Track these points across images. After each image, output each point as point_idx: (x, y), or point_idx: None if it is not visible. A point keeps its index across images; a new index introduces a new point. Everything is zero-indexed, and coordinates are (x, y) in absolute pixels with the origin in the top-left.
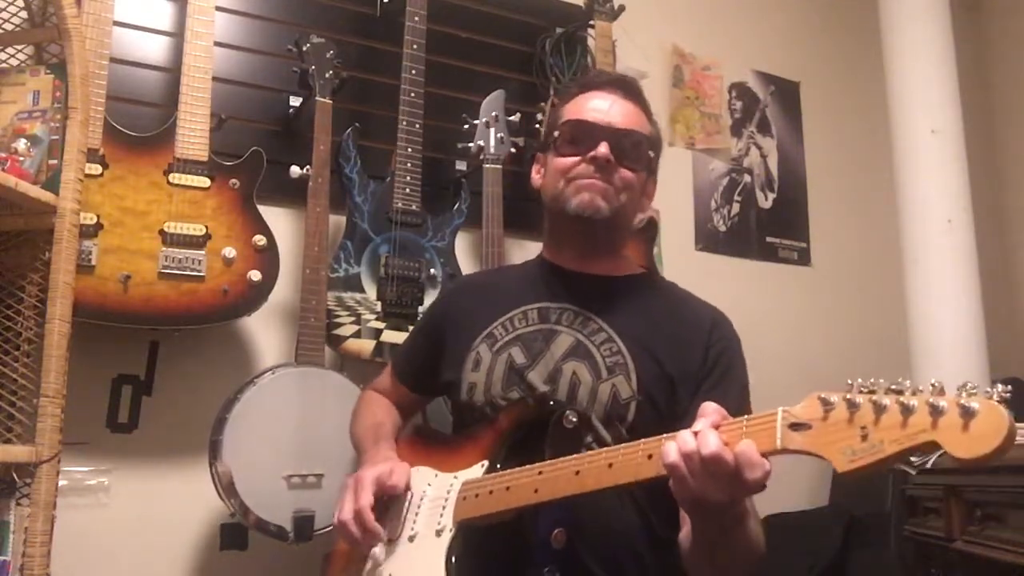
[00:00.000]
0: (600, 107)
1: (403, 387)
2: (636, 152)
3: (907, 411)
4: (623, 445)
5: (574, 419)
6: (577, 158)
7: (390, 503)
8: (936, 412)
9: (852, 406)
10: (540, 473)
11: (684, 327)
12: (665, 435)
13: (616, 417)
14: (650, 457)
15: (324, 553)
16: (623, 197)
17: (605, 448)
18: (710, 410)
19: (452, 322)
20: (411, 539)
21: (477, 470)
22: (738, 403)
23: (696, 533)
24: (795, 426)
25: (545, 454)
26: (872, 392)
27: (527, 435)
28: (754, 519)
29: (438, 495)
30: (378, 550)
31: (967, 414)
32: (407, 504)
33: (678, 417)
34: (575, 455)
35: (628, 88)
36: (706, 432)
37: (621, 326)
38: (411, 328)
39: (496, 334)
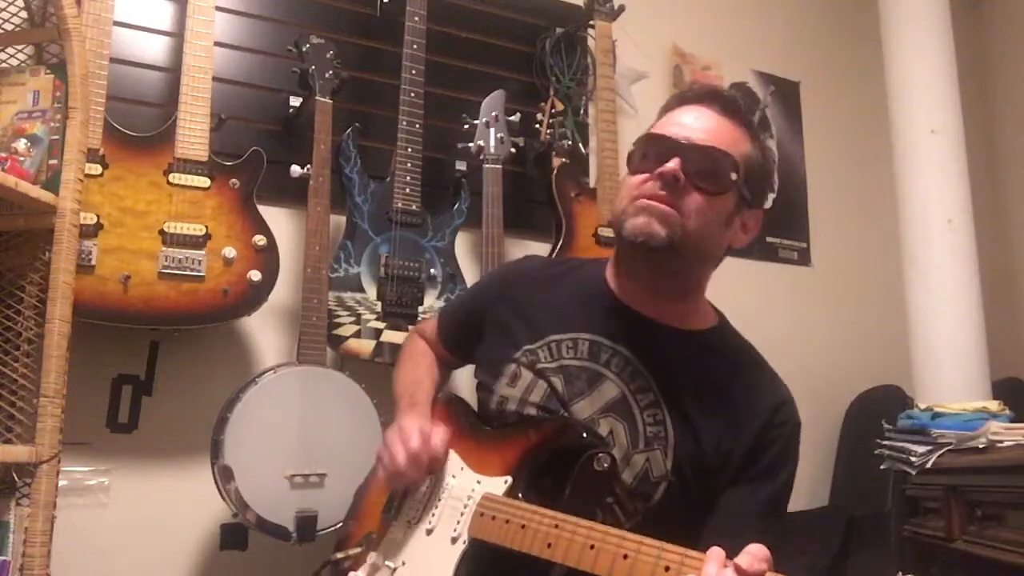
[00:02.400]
0: (683, 121)
1: (443, 346)
2: (715, 173)
3: None
4: (644, 540)
5: (606, 464)
6: (645, 176)
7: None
8: None
9: None
10: (557, 527)
11: (742, 405)
12: (687, 551)
13: (641, 495)
14: (667, 569)
15: (345, 521)
16: (691, 224)
17: (626, 532)
18: (755, 559)
19: (496, 317)
20: (428, 532)
21: (499, 484)
22: (770, 503)
23: None
24: None
25: (567, 490)
26: None
27: (554, 460)
28: None
29: (459, 495)
30: (396, 529)
31: None
32: (432, 487)
33: (708, 504)
34: (596, 514)
35: (725, 103)
36: None
37: (672, 392)
38: (413, 322)
39: (540, 355)
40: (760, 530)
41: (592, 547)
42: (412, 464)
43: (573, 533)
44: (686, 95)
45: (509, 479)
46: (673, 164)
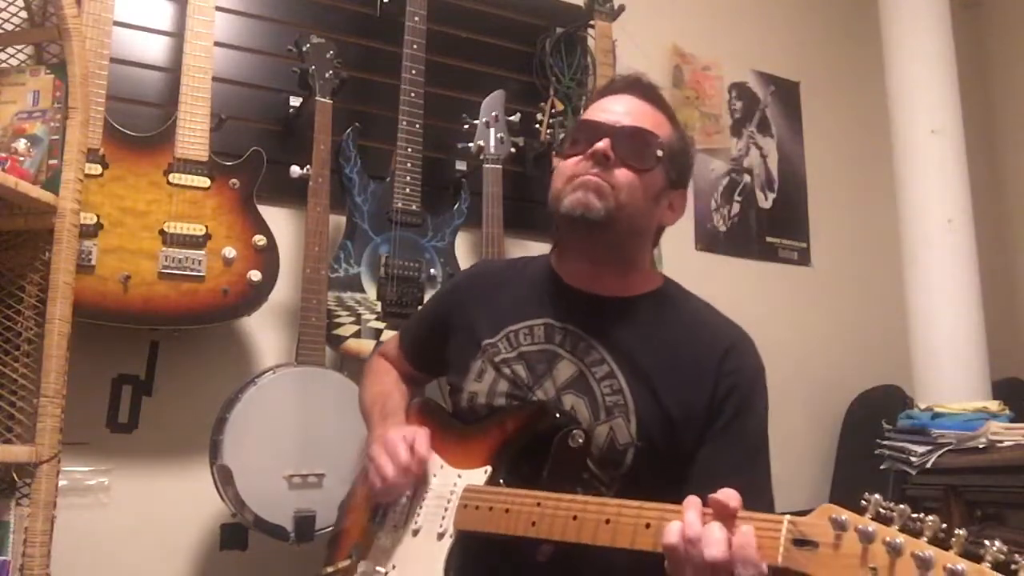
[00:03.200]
0: (610, 107)
1: (409, 364)
2: (641, 151)
3: (924, 565)
4: (624, 503)
5: (580, 440)
6: (579, 157)
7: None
8: None
9: (865, 538)
10: (539, 505)
11: (693, 358)
12: (666, 505)
13: (611, 463)
14: (648, 526)
15: (329, 538)
16: (622, 197)
17: (606, 499)
18: (727, 499)
19: (458, 320)
20: (415, 533)
21: (480, 475)
22: (747, 451)
23: None
24: (799, 542)
25: (545, 471)
26: (888, 520)
27: (531, 445)
28: None
29: (442, 492)
30: (384, 536)
31: None
32: (415, 490)
33: (680, 460)
34: (573, 493)
35: (645, 90)
36: (712, 532)
37: (624, 358)
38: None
39: (500, 347)
40: (747, 480)
41: (575, 518)
42: (403, 476)
43: (555, 508)
44: (612, 86)
45: (489, 469)
46: (603, 144)
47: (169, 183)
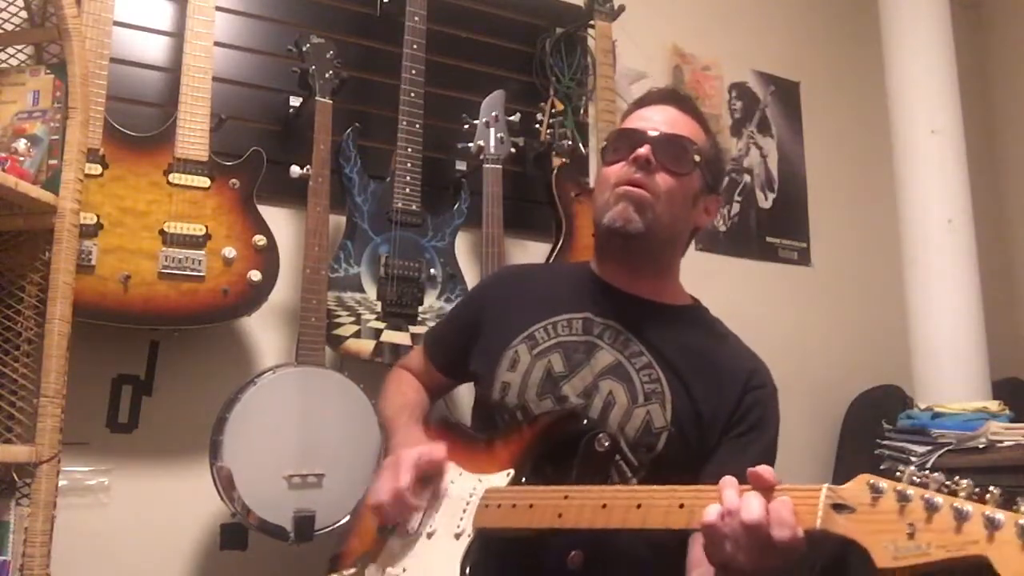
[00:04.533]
0: (649, 116)
1: (434, 368)
2: (680, 157)
3: (961, 517)
4: (655, 488)
5: (606, 443)
6: (621, 164)
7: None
8: (992, 525)
9: (903, 498)
10: (566, 497)
11: (722, 369)
12: (699, 486)
13: (645, 445)
14: (681, 506)
15: (332, 555)
16: (661, 206)
17: (636, 486)
18: (765, 473)
19: (492, 313)
20: (429, 536)
21: (501, 478)
22: (760, 460)
23: None
24: (838, 507)
25: (572, 474)
26: (924, 486)
27: (555, 450)
28: None
29: (460, 496)
30: (395, 541)
31: None
32: (431, 497)
33: (704, 456)
34: (601, 485)
35: (680, 101)
36: (749, 498)
37: (661, 355)
38: (412, 323)
39: (538, 337)
40: None
41: (604, 505)
42: (395, 503)
43: (583, 498)
44: (648, 97)
45: (511, 471)
46: (644, 149)
47: (169, 183)
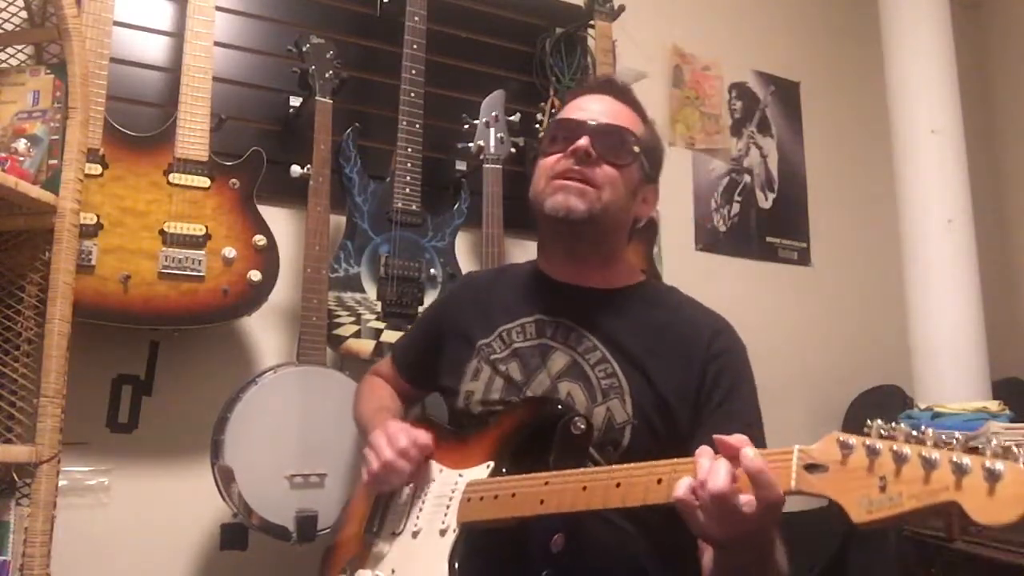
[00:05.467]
0: (587, 106)
1: (402, 379)
2: (620, 147)
3: (929, 465)
4: (632, 465)
5: (582, 426)
6: (559, 155)
7: (397, 498)
8: (960, 471)
9: (872, 452)
10: (546, 484)
11: (681, 343)
12: (676, 460)
13: (610, 443)
14: (659, 482)
15: (326, 547)
16: (605, 196)
17: (614, 466)
18: (736, 440)
19: (452, 327)
20: (415, 535)
21: (482, 471)
22: (745, 424)
23: (716, 565)
24: (811, 467)
25: (550, 459)
26: (892, 438)
27: (532, 438)
28: (779, 553)
29: (442, 492)
30: (381, 543)
31: (992, 477)
32: (412, 495)
33: (678, 440)
34: (580, 469)
35: (618, 90)
36: (716, 467)
37: (615, 344)
38: (411, 323)
39: (495, 346)
40: None
41: (584, 488)
42: (401, 459)
43: (564, 483)
44: (586, 86)
45: (491, 463)
46: (583, 141)
47: (169, 183)
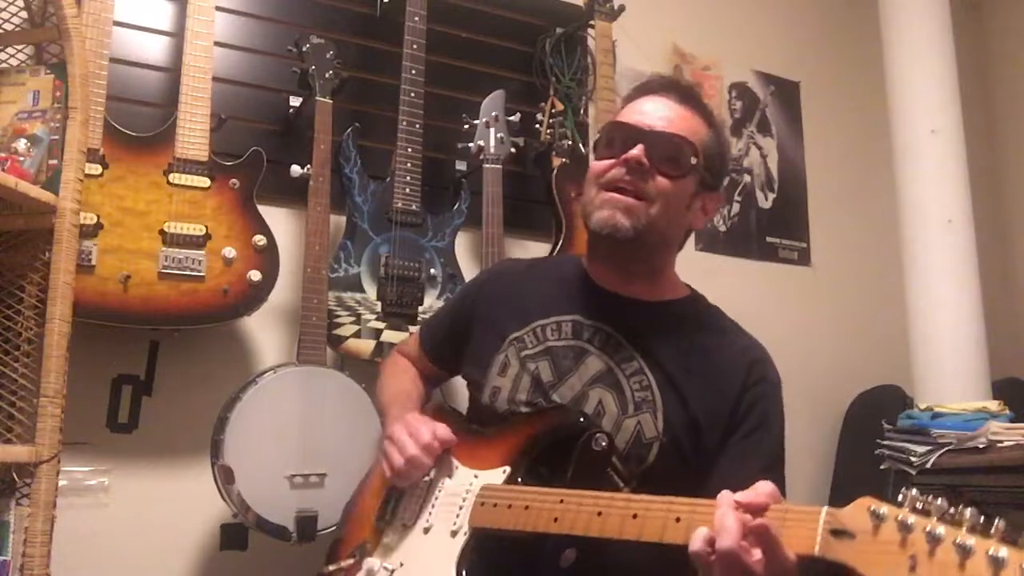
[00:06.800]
0: (645, 109)
1: (427, 359)
2: (676, 158)
3: (964, 553)
4: (651, 498)
5: (604, 443)
6: (611, 161)
7: (412, 489)
8: (996, 565)
9: (904, 528)
10: (561, 501)
11: (720, 368)
12: (696, 500)
13: (635, 457)
14: (678, 520)
15: (332, 541)
16: (654, 210)
17: (631, 495)
18: (757, 496)
19: (483, 314)
20: (426, 531)
21: (498, 475)
22: (769, 460)
23: None
24: (837, 532)
25: (568, 473)
26: (927, 513)
27: (552, 448)
28: None
29: (457, 491)
30: (392, 533)
31: None
32: (427, 489)
33: (703, 463)
34: (598, 490)
35: (681, 92)
36: (728, 524)
37: (654, 358)
38: (412, 324)
39: (527, 341)
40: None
41: (599, 513)
42: (424, 454)
43: (579, 504)
44: (647, 86)
45: (507, 468)
46: (637, 151)
47: (169, 183)
